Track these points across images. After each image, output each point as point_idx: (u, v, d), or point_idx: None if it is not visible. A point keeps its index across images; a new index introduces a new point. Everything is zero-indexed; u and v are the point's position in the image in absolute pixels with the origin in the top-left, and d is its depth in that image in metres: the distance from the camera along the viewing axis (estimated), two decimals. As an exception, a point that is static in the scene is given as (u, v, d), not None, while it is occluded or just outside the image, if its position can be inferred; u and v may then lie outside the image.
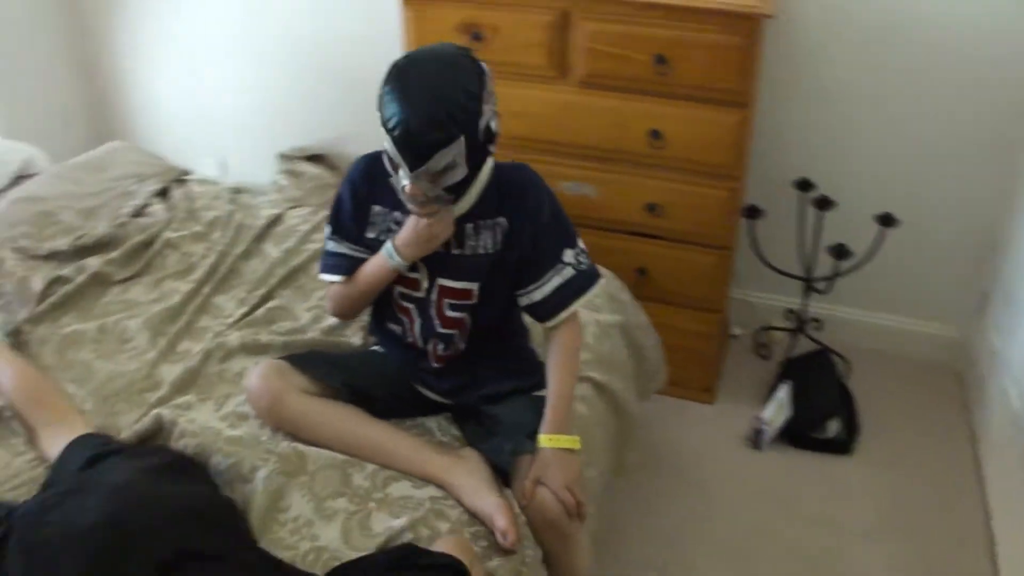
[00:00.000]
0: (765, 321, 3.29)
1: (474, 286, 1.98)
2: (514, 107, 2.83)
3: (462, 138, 1.72)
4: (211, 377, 2.20)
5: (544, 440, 1.89)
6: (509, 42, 2.75)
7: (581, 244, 2.01)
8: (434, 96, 1.70)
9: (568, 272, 1.96)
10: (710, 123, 2.67)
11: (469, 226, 1.95)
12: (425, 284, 2.00)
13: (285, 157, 3.56)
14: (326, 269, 2.06)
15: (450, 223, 1.90)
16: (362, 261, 2.00)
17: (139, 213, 2.79)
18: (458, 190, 1.83)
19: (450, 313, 2.01)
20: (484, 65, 1.80)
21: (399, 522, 1.82)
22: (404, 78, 1.72)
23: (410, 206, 1.84)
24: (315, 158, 3.59)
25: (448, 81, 1.72)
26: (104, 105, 4.00)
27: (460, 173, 1.77)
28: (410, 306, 2.04)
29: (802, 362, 3.07)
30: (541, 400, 1.97)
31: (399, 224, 1.95)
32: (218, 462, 1.93)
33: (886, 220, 2.91)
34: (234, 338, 2.29)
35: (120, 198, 2.84)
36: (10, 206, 2.77)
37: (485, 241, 1.95)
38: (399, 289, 2.03)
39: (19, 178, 2.99)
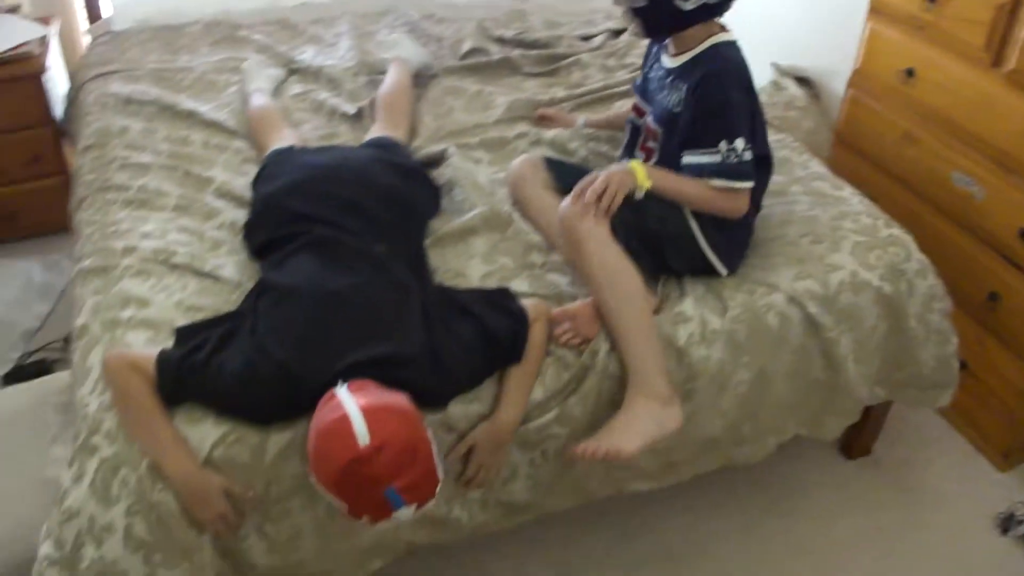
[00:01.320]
0: None
1: (660, 130, 2.23)
2: (938, 78, 2.75)
3: None
4: (514, 151, 2.58)
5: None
6: (958, 11, 2.65)
7: (741, 145, 2.08)
8: None
9: (716, 157, 2.09)
10: None
11: (669, 80, 2.20)
12: (647, 115, 2.30)
13: (777, 69, 3.69)
14: None
15: None
16: None
17: (588, 38, 3.22)
18: (648, 26, 2.14)
19: (648, 143, 2.29)
20: None
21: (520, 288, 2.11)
22: None
23: None
24: (803, 81, 3.64)
25: None
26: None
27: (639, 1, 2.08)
28: (628, 127, 2.40)
29: None
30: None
31: (655, 62, 2.32)
32: (455, 194, 2.35)
33: None
34: (549, 135, 2.63)
35: (585, 25, 3.29)
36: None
37: (672, 97, 2.18)
38: (630, 116, 2.41)
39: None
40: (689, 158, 2.12)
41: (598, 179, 2.04)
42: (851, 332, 2.27)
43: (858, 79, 3.01)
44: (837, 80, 3.50)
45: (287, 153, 2.35)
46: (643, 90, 2.34)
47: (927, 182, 2.83)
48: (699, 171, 2.10)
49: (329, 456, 1.60)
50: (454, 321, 1.92)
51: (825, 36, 3.59)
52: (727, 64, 2.12)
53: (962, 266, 2.69)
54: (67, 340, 2.06)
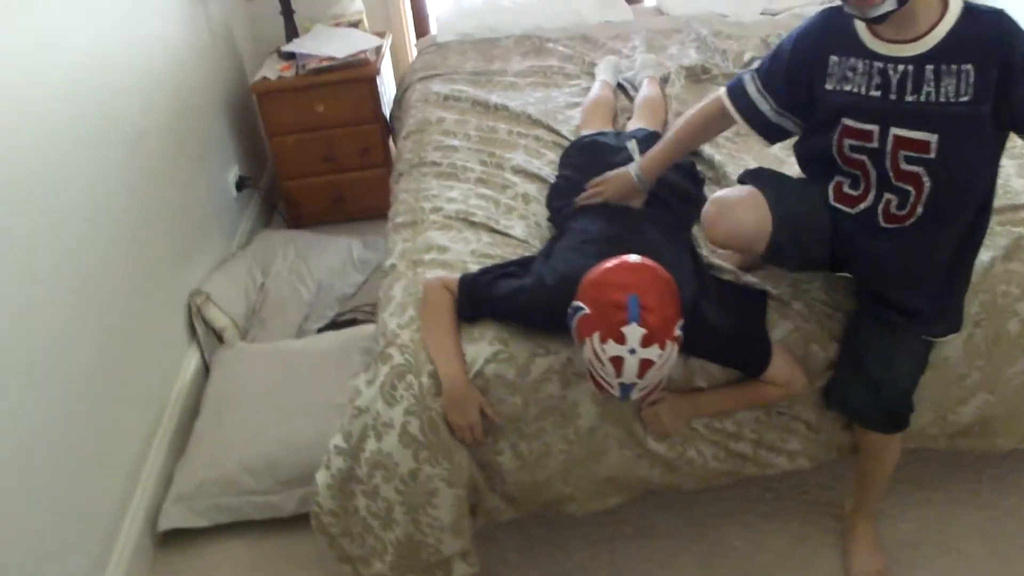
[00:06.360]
0: None
1: (932, 138, 1.78)
2: None
3: None
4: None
5: None
6: None
7: None
8: None
9: None
10: None
11: (929, 68, 1.75)
12: (877, 135, 1.85)
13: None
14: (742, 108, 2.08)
15: None
16: (770, 125, 2.05)
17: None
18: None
19: (904, 166, 1.84)
20: None
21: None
22: None
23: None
24: None
25: None
26: None
27: None
28: (863, 158, 1.90)
29: None
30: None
31: (854, 72, 1.83)
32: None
33: None
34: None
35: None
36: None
37: (947, 88, 1.74)
38: (849, 142, 1.90)
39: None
40: None
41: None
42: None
43: None
44: None
45: (593, 143, 2.67)
46: (848, 105, 1.86)
47: None
48: None
49: (602, 284, 1.83)
50: (714, 300, 2.11)
51: None
52: (1003, 19, 1.73)
53: None
54: (375, 305, 2.43)
